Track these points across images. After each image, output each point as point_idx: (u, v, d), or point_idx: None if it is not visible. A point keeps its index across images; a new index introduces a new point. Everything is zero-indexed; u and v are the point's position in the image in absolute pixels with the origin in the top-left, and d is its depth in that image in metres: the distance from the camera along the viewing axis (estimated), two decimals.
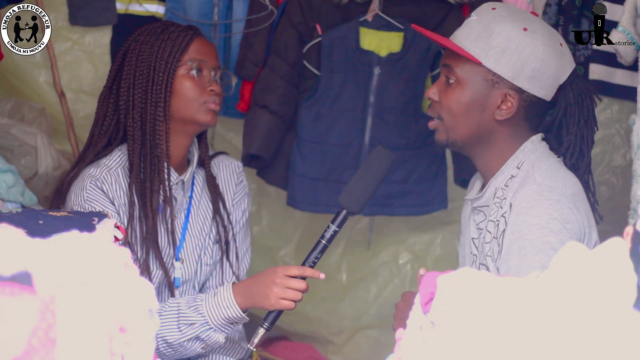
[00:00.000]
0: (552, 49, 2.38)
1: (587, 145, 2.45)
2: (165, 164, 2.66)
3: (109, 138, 2.72)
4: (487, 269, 2.37)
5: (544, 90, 2.39)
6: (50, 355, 1.28)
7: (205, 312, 2.53)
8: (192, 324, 2.54)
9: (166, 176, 2.66)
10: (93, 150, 2.71)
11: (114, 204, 2.64)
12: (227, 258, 2.81)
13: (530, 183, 2.32)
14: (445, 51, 2.46)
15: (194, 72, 2.68)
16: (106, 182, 2.65)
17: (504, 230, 2.32)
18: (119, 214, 2.64)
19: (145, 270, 2.64)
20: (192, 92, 2.68)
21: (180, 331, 2.54)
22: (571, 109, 2.42)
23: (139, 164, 2.66)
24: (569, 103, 2.41)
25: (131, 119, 2.67)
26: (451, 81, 2.41)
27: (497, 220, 2.35)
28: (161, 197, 2.67)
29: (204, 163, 2.84)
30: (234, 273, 2.81)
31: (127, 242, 2.63)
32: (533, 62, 2.36)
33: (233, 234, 2.84)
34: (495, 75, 2.37)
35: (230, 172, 2.88)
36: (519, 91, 2.38)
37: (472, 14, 2.43)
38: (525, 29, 2.37)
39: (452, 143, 2.44)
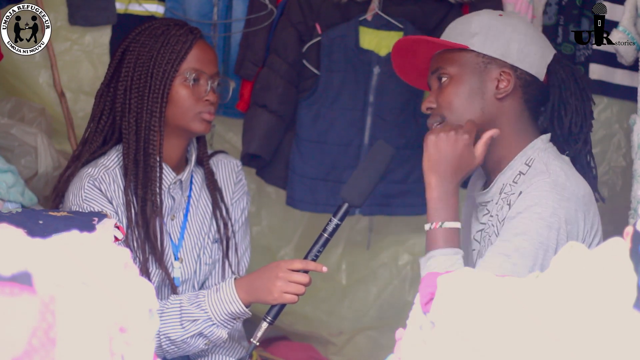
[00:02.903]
0: (531, 28, 2.48)
1: (587, 122, 2.46)
2: (158, 170, 2.66)
3: (104, 137, 2.72)
4: None
5: (535, 67, 2.43)
6: (50, 355, 1.28)
7: (207, 308, 2.53)
8: (195, 320, 2.54)
9: (157, 184, 2.66)
10: (89, 149, 2.71)
11: (112, 204, 2.64)
12: (227, 255, 2.81)
13: (545, 176, 2.32)
14: (432, 61, 2.49)
15: (190, 82, 2.68)
16: (104, 181, 2.65)
17: (505, 217, 2.32)
18: (117, 214, 2.64)
19: (145, 271, 2.64)
20: (188, 102, 2.68)
21: (183, 328, 2.55)
22: (566, 85, 2.45)
23: (134, 168, 2.66)
24: (561, 79, 2.44)
25: (127, 122, 2.67)
26: (444, 79, 2.43)
27: (500, 212, 2.35)
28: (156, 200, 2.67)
29: (202, 162, 2.84)
30: (232, 272, 2.81)
31: (126, 244, 2.63)
32: (517, 38, 2.42)
33: (233, 231, 2.84)
34: (485, 57, 2.42)
35: (229, 171, 2.88)
36: (512, 68, 2.42)
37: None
38: (500, 15, 2.47)
39: None
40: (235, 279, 2.55)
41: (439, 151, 2.35)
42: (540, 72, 2.44)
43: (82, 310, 1.31)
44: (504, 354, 1.32)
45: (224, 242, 2.82)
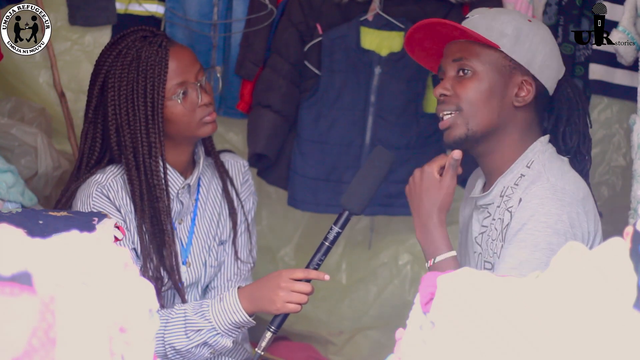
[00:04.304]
0: (554, 41, 2.45)
1: (588, 143, 2.47)
2: (165, 185, 2.65)
3: (102, 162, 2.69)
4: (493, 266, 2.36)
5: (550, 81, 2.42)
6: (50, 355, 1.28)
7: (211, 317, 2.53)
8: (199, 330, 2.54)
9: (166, 202, 2.65)
10: (86, 167, 2.69)
11: (120, 211, 2.63)
12: (234, 244, 2.81)
13: (543, 181, 2.32)
14: (452, 47, 2.44)
15: (179, 99, 2.63)
16: (112, 189, 2.63)
17: (508, 224, 2.32)
18: (125, 222, 2.63)
19: (158, 279, 2.63)
20: (185, 116, 2.64)
21: (188, 338, 2.55)
22: (572, 103, 2.44)
23: (139, 187, 2.64)
24: (568, 96, 2.44)
25: (126, 159, 2.63)
26: (467, 72, 2.39)
27: (502, 217, 2.35)
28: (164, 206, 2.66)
29: (210, 153, 2.83)
30: (238, 266, 2.82)
31: (137, 255, 2.63)
32: (543, 50, 2.39)
33: (245, 217, 2.84)
34: (511, 62, 2.39)
35: (236, 171, 2.88)
36: (533, 79, 2.40)
37: (469, 15, 2.46)
38: (530, 20, 2.43)
39: (471, 135, 2.39)
40: (238, 288, 2.55)
41: (413, 188, 2.42)
42: (552, 87, 2.44)
43: (82, 310, 1.31)
44: (504, 354, 1.32)
45: (234, 229, 2.82)
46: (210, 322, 2.53)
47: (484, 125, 2.39)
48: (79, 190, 2.65)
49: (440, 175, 2.41)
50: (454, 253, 2.36)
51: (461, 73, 2.40)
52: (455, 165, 2.40)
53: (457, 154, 2.39)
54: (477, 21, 2.42)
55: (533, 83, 2.39)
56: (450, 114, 2.40)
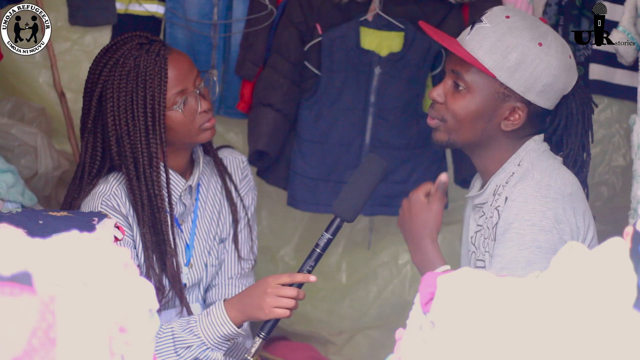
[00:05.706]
0: (563, 64, 2.37)
1: (586, 152, 2.46)
2: (167, 199, 2.64)
3: (102, 170, 2.67)
4: (485, 264, 2.37)
5: (550, 102, 2.39)
6: (50, 355, 1.28)
7: (200, 332, 2.53)
8: (189, 346, 2.54)
9: (167, 207, 2.64)
10: (88, 177, 2.68)
11: (127, 219, 2.63)
12: (235, 241, 2.81)
13: (528, 179, 2.33)
14: (453, 56, 2.42)
15: (180, 108, 2.61)
16: (116, 197, 2.62)
17: (496, 223, 2.33)
18: (132, 229, 2.63)
19: (159, 290, 2.63)
20: (185, 123, 2.63)
21: (178, 355, 2.54)
22: (573, 118, 2.42)
23: (140, 197, 2.63)
24: (570, 112, 2.42)
25: (126, 169, 2.61)
26: (460, 88, 2.39)
27: (492, 216, 2.36)
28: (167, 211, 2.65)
29: (209, 151, 2.82)
30: (239, 264, 2.81)
31: (139, 266, 2.62)
32: (545, 78, 2.35)
33: (245, 212, 2.84)
34: (506, 89, 2.36)
35: (235, 166, 2.88)
36: (527, 104, 2.38)
37: (484, 19, 2.39)
38: (540, 44, 2.35)
39: (452, 144, 2.45)
40: (224, 300, 2.55)
41: (403, 217, 2.50)
42: (552, 105, 2.41)
43: (82, 310, 1.31)
44: (504, 354, 1.32)
45: (234, 226, 2.81)
46: (199, 338, 2.53)
47: (464, 140, 2.42)
48: (84, 204, 2.63)
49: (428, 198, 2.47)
50: (448, 267, 2.38)
51: (456, 85, 2.40)
52: (442, 187, 2.46)
53: (444, 176, 2.46)
54: (487, 33, 2.36)
55: (526, 109, 2.37)
56: (438, 120, 2.43)
